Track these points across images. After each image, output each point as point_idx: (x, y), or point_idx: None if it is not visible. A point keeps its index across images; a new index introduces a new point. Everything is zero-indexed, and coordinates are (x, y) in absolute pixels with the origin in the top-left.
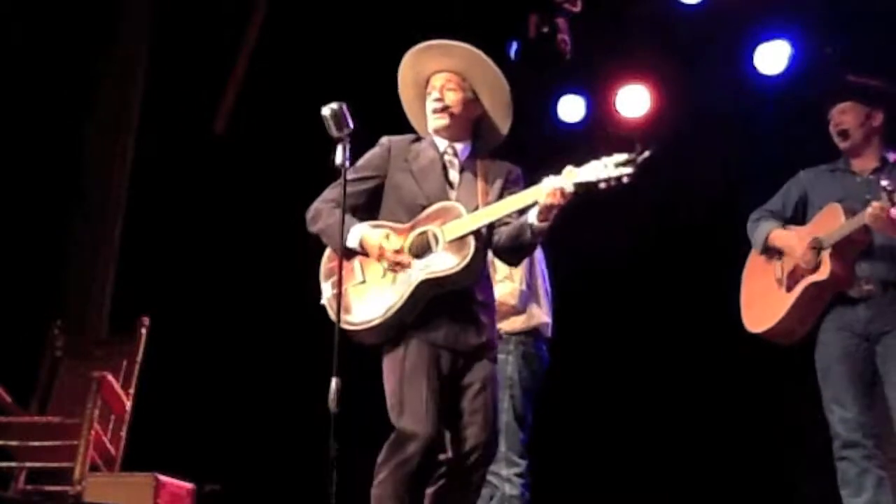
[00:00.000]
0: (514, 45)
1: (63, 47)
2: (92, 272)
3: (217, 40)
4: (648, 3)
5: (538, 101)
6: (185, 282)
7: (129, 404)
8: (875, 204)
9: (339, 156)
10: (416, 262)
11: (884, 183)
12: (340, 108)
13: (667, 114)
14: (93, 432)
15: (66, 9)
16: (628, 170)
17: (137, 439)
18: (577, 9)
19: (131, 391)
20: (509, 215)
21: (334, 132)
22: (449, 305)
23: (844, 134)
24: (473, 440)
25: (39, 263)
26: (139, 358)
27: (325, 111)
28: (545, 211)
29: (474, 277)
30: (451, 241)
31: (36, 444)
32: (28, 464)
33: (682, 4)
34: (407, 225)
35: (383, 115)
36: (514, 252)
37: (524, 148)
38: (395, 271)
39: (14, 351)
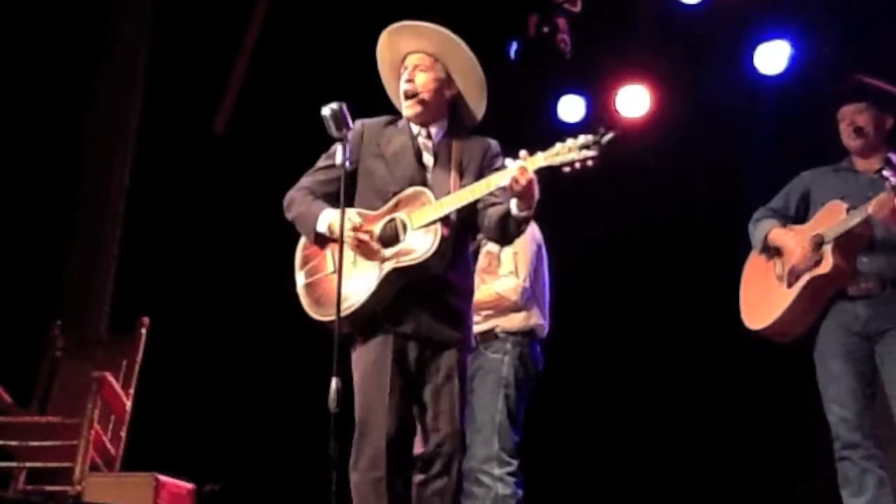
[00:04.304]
0: (514, 45)
1: (63, 47)
2: (92, 272)
3: (217, 40)
4: (648, 3)
5: (538, 101)
6: (185, 282)
7: (129, 404)
8: (881, 196)
9: (339, 156)
10: (385, 251)
11: (886, 173)
12: (340, 108)
13: (667, 114)
14: (93, 432)
15: (65, 9)
16: (592, 153)
17: (137, 439)
18: (577, 9)
19: (131, 391)
20: (492, 194)
21: (334, 132)
22: (421, 293)
23: (860, 132)
24: (442, 433)
25: (39, 263)
26: (139, 358)
27: (325, 111)
28: (521, 200)
29: (444, 264)
30: (419, 229)
31: (36, 444)
32: (28, 464)
33: (682, 4)
34: (378, 212)
35: (382, 114)
36: (501, 237)
37: (524, 148)
38: (361, 253)
39: (14, 351)
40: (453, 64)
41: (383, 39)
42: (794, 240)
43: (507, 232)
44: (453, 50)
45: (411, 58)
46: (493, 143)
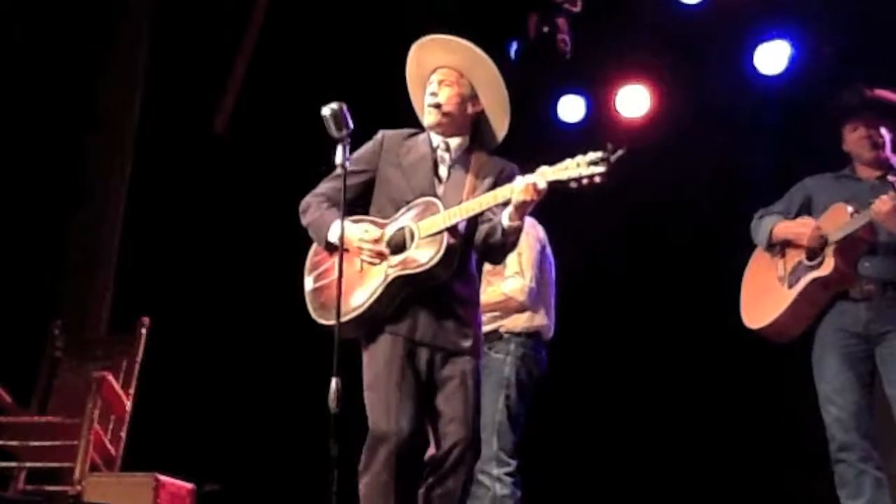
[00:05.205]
0: (514, 45)
1: (63, 47)
2: (92, 272)
3: (217, 40)
4: (648, 2)
5: (538, 101)
6: (184, 282)
7: (129, 404)
8: (882, 196)
9: (339, 156)
10: (392, 258)
11: (891, 178)
12: (340, 108)
13: (667, 114)
14: (93, 432)
15: (66, 9)
16: (600, 169)
17: (137, 439)
18: (577, 9)
19: (131, 391)
20: (492, 211)
21: (334, 132)
22: (427, 301)
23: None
24: (453, 437)
25: (39, 263)
26: (139, 358)
27: (325, 111)
28: (517, 210)
29: (449, 273)
30: (425, 238)
31: (36, 444)
32: (28, 464)
33: (682, 4)
34: (389, 220)
35: (383, 114)
36: (487, 251)
37: (524, 148)
38: (373, 264)
39: (14, 351)
40: (480, 81)
41: (413, 53)
42: (801, 228)
43: (493, 242)
44: (481, 67)
45: (438, 72)
46: (513, 166)
